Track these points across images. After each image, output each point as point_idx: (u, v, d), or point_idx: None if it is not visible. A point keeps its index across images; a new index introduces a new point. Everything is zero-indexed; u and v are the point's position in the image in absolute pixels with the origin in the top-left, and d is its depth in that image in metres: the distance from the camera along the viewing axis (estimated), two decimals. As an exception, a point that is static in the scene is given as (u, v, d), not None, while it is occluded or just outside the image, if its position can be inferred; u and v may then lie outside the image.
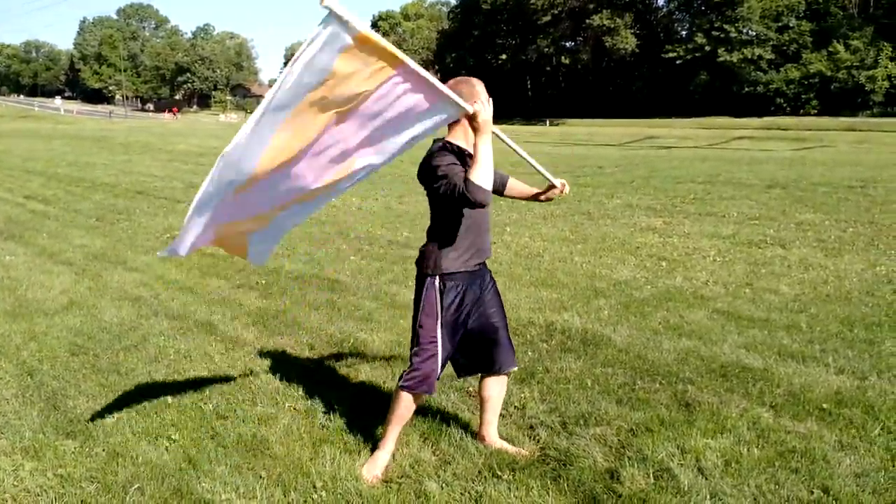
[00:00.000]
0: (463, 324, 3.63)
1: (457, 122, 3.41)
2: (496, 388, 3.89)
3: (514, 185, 3.95)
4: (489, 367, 3.82)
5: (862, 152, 30.38)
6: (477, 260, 3.62)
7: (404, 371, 3.62)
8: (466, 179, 3.17)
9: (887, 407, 4.34)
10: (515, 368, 3.94)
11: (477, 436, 4.00)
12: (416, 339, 3.60)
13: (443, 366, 3.61)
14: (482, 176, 3.17)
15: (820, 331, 5.88)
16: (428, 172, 3.39)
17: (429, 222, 3.65)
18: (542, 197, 3.93)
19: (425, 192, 3.53)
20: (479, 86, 3.41)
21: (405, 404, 3.61)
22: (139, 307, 6.83)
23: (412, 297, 3.73)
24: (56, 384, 4.95)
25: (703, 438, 3.91)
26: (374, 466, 3.66)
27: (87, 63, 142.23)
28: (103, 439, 4.07)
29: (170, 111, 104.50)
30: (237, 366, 5.24)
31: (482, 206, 3.24)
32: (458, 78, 3.50)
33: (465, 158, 3.40)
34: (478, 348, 3.77)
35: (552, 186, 3.83)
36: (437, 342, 3.55)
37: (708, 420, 4.16)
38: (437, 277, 3.54)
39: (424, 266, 3.58)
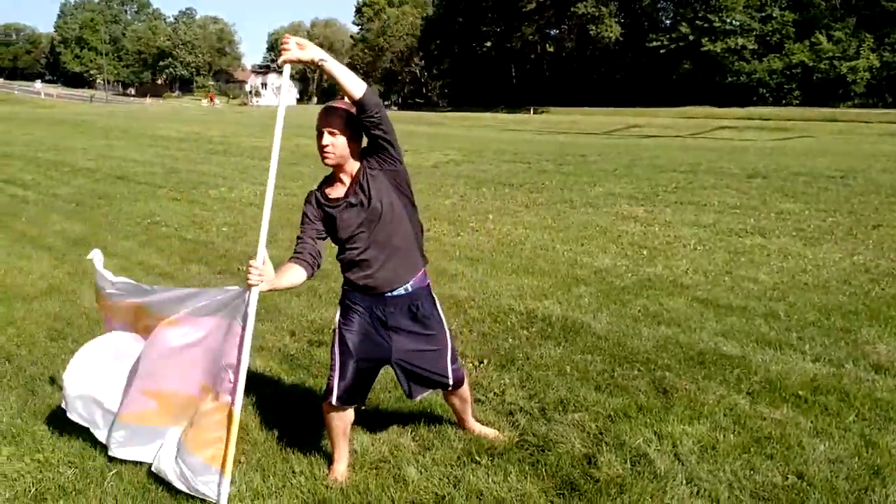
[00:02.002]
0: (371, 347, 3.41)
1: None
2: (452, 398, 3.81)
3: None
4: (412, 393, 3.59)
5: (842, 143, 30.58)
6: (372, 291, 3.38)
7: None
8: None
9: (862, 394, 4.39)
10: (449, 389, 3.65)
11: (456, 423, 4.01)
12: None
13: (350, 383, 3.38)
14: (349, 82, 3.03)
15: (797, 319, 5.93)
16: None
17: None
18: None
19: None
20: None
21: (324, 415, 3.50)
22: (119, 293, 6.77)
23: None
24: (34, 369, 4.93)
25: (679, 425, 3.95)
26: (337, 471, 3.55)
27: (67, 46, 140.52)
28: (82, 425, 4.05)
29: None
30: (217, 352, 5.20)
31: (365, 105, 3.05)
32: None
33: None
34: (404, 375, 3.52)
35: None
36: (335, 357, 3.41)
37: (685, 406, 4.20)
38: (342, 295, 3.46)
39: None
